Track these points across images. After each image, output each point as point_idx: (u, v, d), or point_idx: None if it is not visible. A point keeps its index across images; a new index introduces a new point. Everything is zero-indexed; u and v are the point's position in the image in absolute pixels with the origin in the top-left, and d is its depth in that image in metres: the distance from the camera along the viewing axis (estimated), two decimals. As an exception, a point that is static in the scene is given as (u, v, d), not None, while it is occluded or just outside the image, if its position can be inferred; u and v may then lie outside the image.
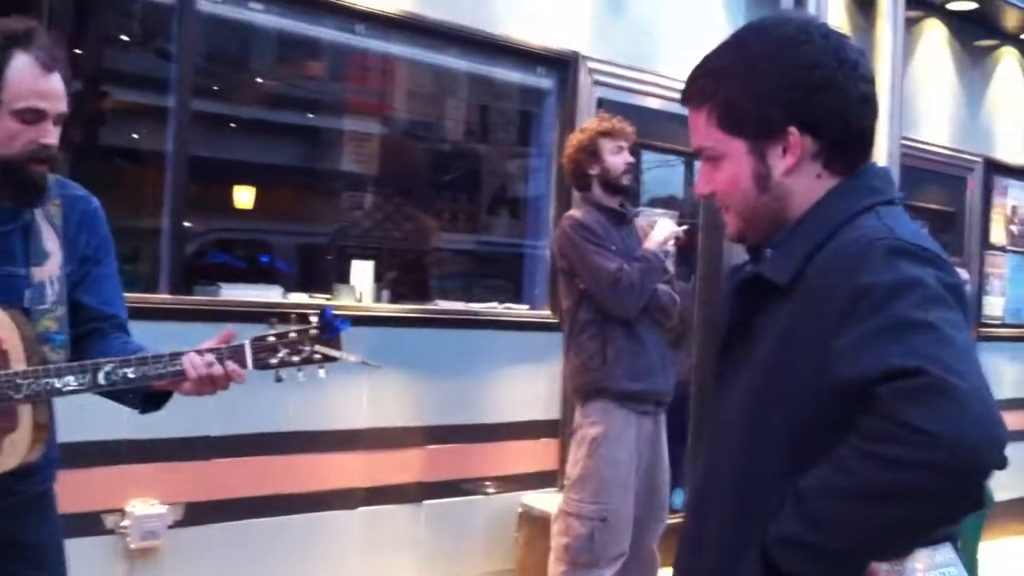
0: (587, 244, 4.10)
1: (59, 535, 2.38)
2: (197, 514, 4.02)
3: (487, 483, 4.98)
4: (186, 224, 4.36)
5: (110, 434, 3.71)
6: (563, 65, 5.37)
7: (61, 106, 2.18)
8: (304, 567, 4.34)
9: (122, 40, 4.77)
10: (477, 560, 4.92)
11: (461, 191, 5.99)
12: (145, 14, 4.82)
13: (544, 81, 5.48)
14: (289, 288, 4.75)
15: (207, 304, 4.20)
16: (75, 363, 2.13)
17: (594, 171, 4.25)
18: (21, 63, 2.12)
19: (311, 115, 5.85)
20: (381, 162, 5.59)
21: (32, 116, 2.13)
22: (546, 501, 4.82)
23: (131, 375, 2.13)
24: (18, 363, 2.10)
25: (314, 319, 2.19)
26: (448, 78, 5.67)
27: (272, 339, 2.16)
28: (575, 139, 4.33)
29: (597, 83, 5.44)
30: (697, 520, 1.71)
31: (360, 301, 4.77)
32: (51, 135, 2.17)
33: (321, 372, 2.19)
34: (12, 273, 2.20)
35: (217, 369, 2.13)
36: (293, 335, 2.15)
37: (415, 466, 4.71)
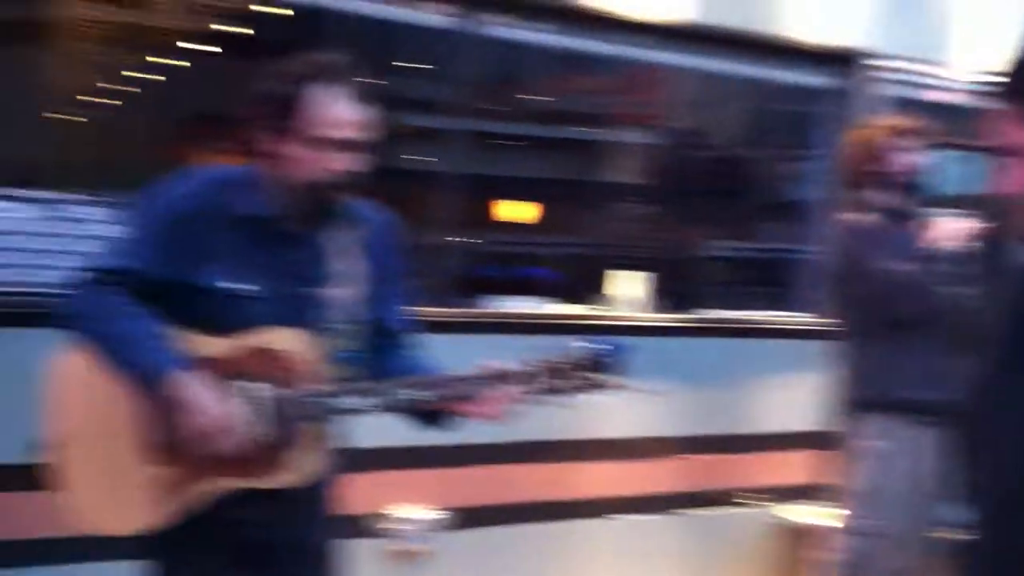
0: (864, 248, 3.92)
1: (334, 538, 2.51)
2: (465, 520, 4.13)
3: (748, 494, 4.84)
4: (463, 239, 4.53)
5: (382, 440, 3.91)
6: (843, 63, 5.16)
7: (361, 133, 2.27)
8: (565, 574, 4.38)
9: (404, 66, 5.05)
10: (734, 573, 4.80)
11: (734, 197, 5.87)
12: (426, 39, 5.08)
13: (823, 80, 5.29)
14: (563, 299, 4.82)
15: (483, 317, 4.34)
16: (364, 384, 2.24)
17: (874, 170, 4.05)
18: (322, 92, 2.22)
19: (585, 129, 5.93)
20: (654, 172, 5.58)
21: (330, 144, 2.23)
22: (809, 514, 4.63)
23: (417, 396, 2.22)
24: (316, 382, 2.22)
25: (596, 346, 2.23)
26: (722, 84, 5.58)
27: (555, 366, 2.21)
28: (855, 137, 4.15)
29: (879, 80, 5.19)
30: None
31: (630, 311, 4.77)
32: (349, 162, 2.26)
33: (599, 398, 2.27)
34: (311, 293, 2.31)
35: (502, 401, 2.21)
36: (575, 362, 2.21)
37: (673, 476, 4.65)
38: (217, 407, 2.17)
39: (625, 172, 5.55)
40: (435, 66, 4.85)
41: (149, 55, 5.80)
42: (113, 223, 3.66)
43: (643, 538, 4.58)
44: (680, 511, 4.67)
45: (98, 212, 3.71)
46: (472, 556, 4.18)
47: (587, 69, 5.48)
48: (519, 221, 5.71)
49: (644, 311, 4.86)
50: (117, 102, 6.11)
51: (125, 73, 6.04)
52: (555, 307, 4.64)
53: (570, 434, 4.36)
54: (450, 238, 4.43)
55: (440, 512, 4.07)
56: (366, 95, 2.29)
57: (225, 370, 2.23)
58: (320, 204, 2.30)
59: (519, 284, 5.63)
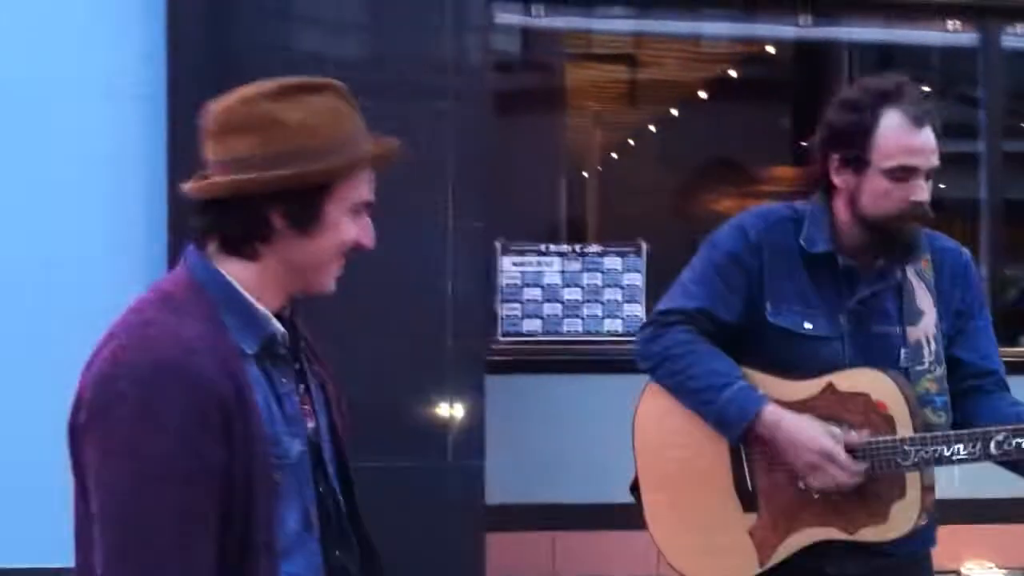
0: None
1: None
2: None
3: None
4: (1005, 271, 4.18)
5: (942, 492, 3.61)
6: None
7: (932, 160, 2.12)
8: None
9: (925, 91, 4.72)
10: None
11: None
12: (945, 60, 4.74)
13: None
14: None
15: (1031, 356, 3.91)
16: (965, 431, 2.05)
17: None
18: (892, 120, 2.10)
19: None
20: None
21: (903, 174, 2.10)
22: None
23: None
24: (903, 428, 2.06)
25: None
26: None
27: None
28: None
29: None
30: None
31: None
32: (923, 192, 2.11)
33: None
34: (888, 333, 2.18)
35: None
36: None
37: None
38: (823, 435, 2.05)
39: None
40: (961, 88, 4.54)
41: (656, 108, 5.98)
42: (632, 271, 3.78)
43: None
44: None
45: (620, 262, 3.81)
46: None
47: None
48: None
49: None
50: (632, 156, 6.38)
51: (636, 127, 6.29)
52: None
53: None
54: (991, 269, 4.06)
55: (1011, 571, 3.73)
56: (931, 119, 2.13)
57: (809, 413, 2.13)
58: (896, 237, 2.15)
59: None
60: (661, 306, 2.24)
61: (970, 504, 3.64)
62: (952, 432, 2.03)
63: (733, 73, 5.43)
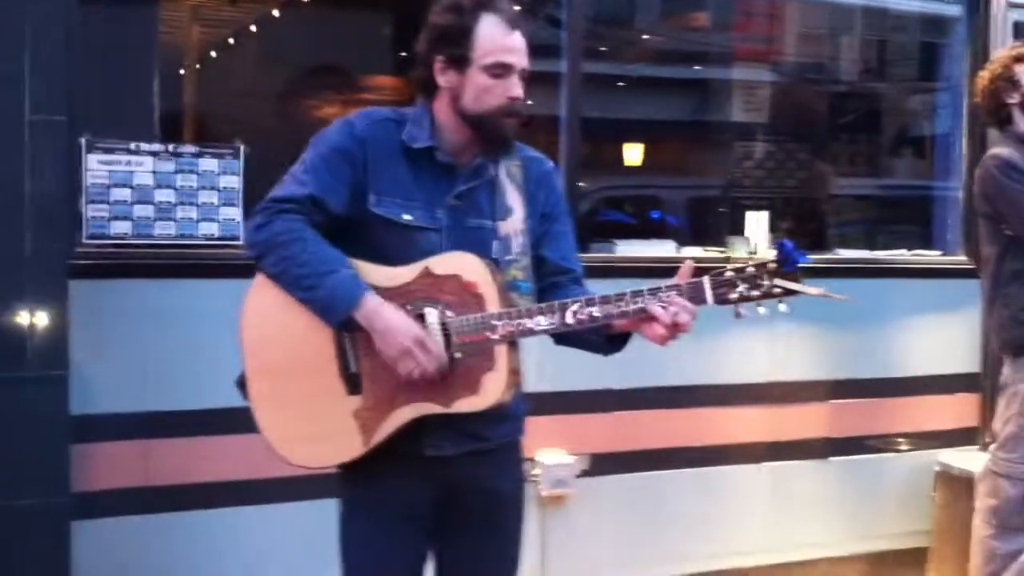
0: (1014, 184, 3.73)
1: (523, 489, 2.52)
2: (603, 465, 4.12)
3: (898, 440, 4.71)
4: (580, 184, 4.46)
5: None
6: (974, -11, 4.92)
7: (525, 60, 2.31)
8: (707, 521, 4.34)
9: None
10: (890, 520, 4.68)
11: (860, 133, 5.68)
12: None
13: (951, 8, 5.05)
14: (682, 242, 4.73)
15: (603, 261, 4.27)
16: (544, 304, 2.24)
17: (1014, 100, 3.85)
18: (490, 21, 2.28)
19: (699, 67, 5.78)
20: (772, 109, 5.42)
21: (501, 70, 2.27)
22: (966, 460, 4.49)
23: (596, 313, 2.20)
24: (492, 307, 2.23)
25: (772, 253, 2.17)
26: (841, 15, 5.38)
27: (731, 274, 2.16)
28: (989, 69, 3.95)
29: (1013, 5, 4.93)
30: None
31: (755, 253, 4.65)
32: (519, 88, 2.30)
33: (782, 307, 2.15)
34: (482, 226, 2.34)
35: (683, 317, 2.15)
36: (751, 269, 2.15)
37: (821, 421, 4.54)
38: (415, 329, 2.18)
39: (745, 111, 5.39)
40: (548, 9, 4.78)
41: (258, 7, 5.82)
42: (230, 173, 3.70)
43: (795, 486, 4.48)
44: (832, 458, 4.55)
45: (217, 164, 3.71)
46: (614, 501, 4.17)
47: (700, 6, 5.33)
48: (638, 164, 5.60)
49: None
50: (232, 56, 6.17)
51: (236, 26, 6.09)
52: (676, 250, 4.54)
53: (712, 379, 4.30)
54: (568, 182, 4.34)
55: (580, 457, 4.07)
56: (522, 25, 2.30)
57: (407, 297, 2.24)
58: (494, 132, 2.31)
59: (643, 228, 5.56)
60: (272, 194, 2.27)
61: (543, 397, 3.97)
62: (533, 306, 2.25)
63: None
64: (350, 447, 2.26)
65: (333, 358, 2.26)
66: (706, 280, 2.17)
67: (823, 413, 4.56)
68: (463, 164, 2.35)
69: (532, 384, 3.64)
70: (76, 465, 3.25)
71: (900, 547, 4.65)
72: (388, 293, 2.23)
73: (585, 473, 4.08)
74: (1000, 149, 3.87)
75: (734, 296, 2.15)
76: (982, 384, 4.74)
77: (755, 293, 2.14)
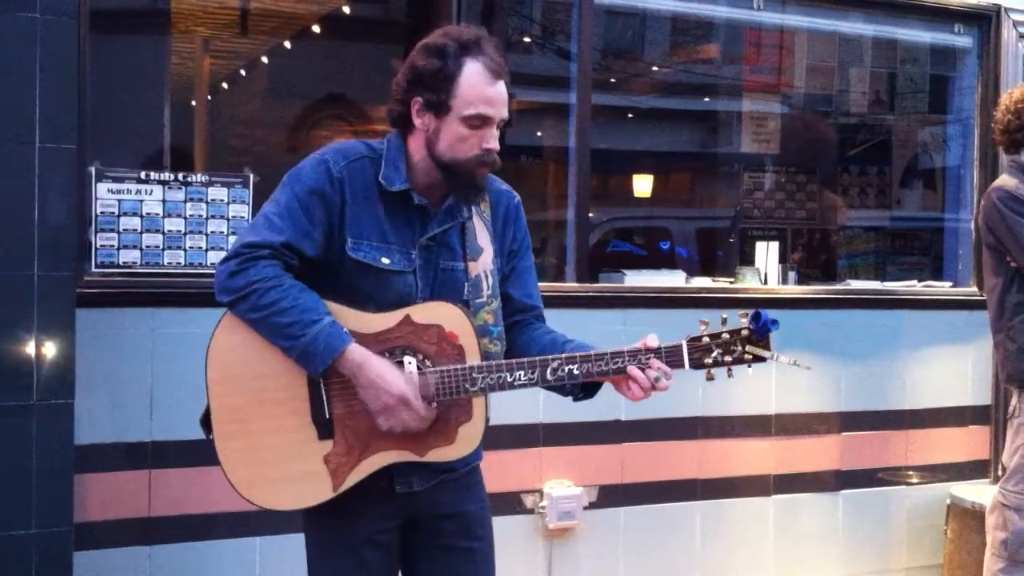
0: (1017, 217, 3.71)
1: (488, 509, 2.49)
2: (610, 496, 4.10)
3: (909, 472, 4.67)
4: (590, 215, 4.46)
5: (528, 418, 3.89)
6: (983, 20, 4.93)
7: (504, 112, 2.27)
8: (716, 553, 4.30)
9: (524, 42, 4.99)
10: (901, 553, 4.64)
11: (869, 164, 5.67)
12: (545, 13, 5.00)
13: (962, 40, 5.05)
14: (692, 273, 4.73)
15: (613, 291, 4.27)
16: (526, 359, 2.24)
17: (1031, 133, 3.84)
18: (474, 70, 2.22)
19: (708, 99, 5.79)
20: (782, 141, 5.42)
21: (479, 122, 2.22)
22: (977, 493, 4.45)
23: (576, 371, 2.22)
24: (472, 357, 2.21)
25: (745, 320, 2.24)
26: (850, 46, 5.39)
27: (707, 340, 2.24)
28: (1008, 98, 3.94)
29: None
30: None
31: (765, 283, 4.65)
32: (494, 140, 2.26)
33: (749, 370, 2.27)
34: (454, 268, 2.32)
35: (663, 383, 2.22)
36: (727, 336, 2.23)
37: (830, 454, 4.51)
38: (401, 385, 2.16)
39: (754, 142, 5.39)
40: (558, 42, 4.80)
41: (268, 39, 5.86)
42: (238, 202, 3.71)
43: (805, 518, 4.45)
44: (843, 491, 4.52)
45: (226, 192, 3.72)
46: (621, 533, 4.13)
47: (709, 37, 5.34)
48: (647, 195, 5.60)
49: (781, 283, 4.72)
50: (243, 87, 6.21)
51: (247, 57, 6.13)
52: (685, 281, 4.52)
53: (719, 411, 4.28)
54: (577, 214, 4.35)
55: (587, 489, 4.05)
56: (505, 74, 2.26)
57: (386, 343, 2.21)
58: (467, 181, 2.28)
59: (652, 259, 5.55)
60: (246, 238, 2.22)
61: (550, 428, 3.96)
62: (515, 360, 2.25)
63: (347, 10, 5.43)
64: (317, 492, 2.22)
65: (305, 402, 2.22)
66: (684, 344, 2.23)
67: (833, 445, 4.53)
68: (435, 204, 2.31)
69: (539, 416, 3.65)
70: (78, 495, 3.24)
71: (911, 581, 4.61)
72: (367, 339, 2.20)
73: (592, 505, 4.06)
74: (1004, 181, 3.85)
75: (708, 361, 2.23)
76: (993, 416, 4.72)
77: (728, 359, 2.24)
